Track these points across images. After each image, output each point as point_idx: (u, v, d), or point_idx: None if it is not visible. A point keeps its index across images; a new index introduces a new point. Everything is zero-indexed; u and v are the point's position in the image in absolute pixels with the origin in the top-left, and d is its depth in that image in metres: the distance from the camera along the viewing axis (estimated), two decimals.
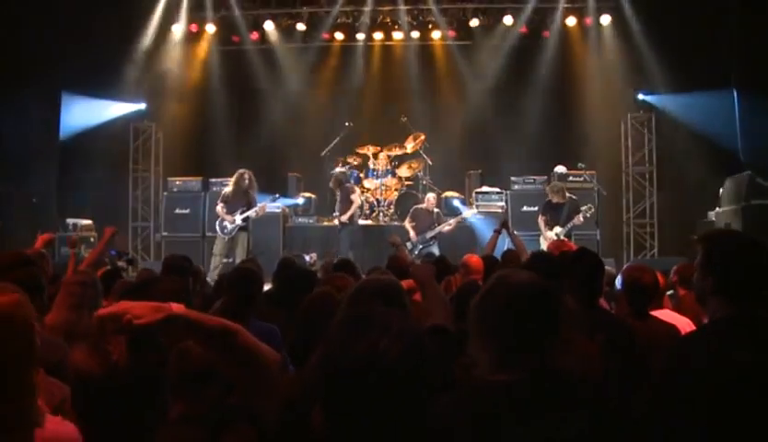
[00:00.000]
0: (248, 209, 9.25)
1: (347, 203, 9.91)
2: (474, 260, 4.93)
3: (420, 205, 10.07)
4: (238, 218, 9.21)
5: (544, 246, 8.70)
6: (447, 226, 9.57)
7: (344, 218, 9.81)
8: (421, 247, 9.37)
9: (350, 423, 1.34)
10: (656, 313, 3.57)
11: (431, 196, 10.05)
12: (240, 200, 9.31)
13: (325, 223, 10.99)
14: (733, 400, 2.02)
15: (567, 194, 9.25)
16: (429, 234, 9.51)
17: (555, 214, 9.11)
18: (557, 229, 8.99)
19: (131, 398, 1.63)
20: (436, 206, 10.06)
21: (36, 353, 1.77)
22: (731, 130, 10.03)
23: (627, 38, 11.20)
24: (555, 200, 9.18)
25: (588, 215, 9.11)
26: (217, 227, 9.41)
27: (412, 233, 9.54)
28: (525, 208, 10.40)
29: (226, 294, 3.68)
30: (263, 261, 6.45)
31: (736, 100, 9.86)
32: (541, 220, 9.20)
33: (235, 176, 9.49)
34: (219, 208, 9.42)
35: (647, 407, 2.18)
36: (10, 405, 1.69)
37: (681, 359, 2.18)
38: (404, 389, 1.33)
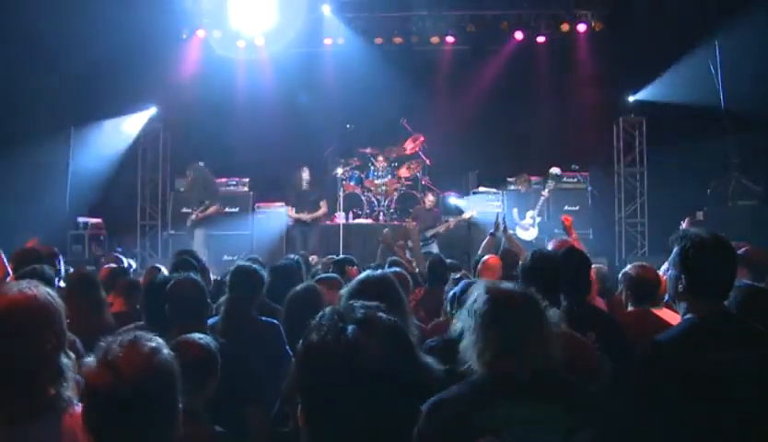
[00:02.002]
0: (205, 210, 9.42)
1: (315, 204, 10.16)
2: (492, 260, 5.21)
3: (421, 205, 10.29)
4: (193, 216, 9.39)
5: (522, 235, 9.37)
6: (445, 227, 9.74)
7: (308, 218, 10.04)
8: (421, 244, 9.39)
9: (330, 422, 1.28)
10: (657, 312, 3.72)
11: (430, 196, 10.31)
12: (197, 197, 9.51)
13: (327, 222, 11.13)
14: (712, 397, 2.06)
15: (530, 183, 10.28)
16: (429, 233, 9.65)
17: (523, 203, 9.94)
18: (530, 213, 9.67)
19: (139, 411, 1.61)
20: (435, 206, 10.30)
21: (62, 341, 1.82)
22: (719, 131, 10.36)
23: (619, 43, 11.37)
24: (524, 190, 10.16)
25: (552, 186, 9.78)
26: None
27: None
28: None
29: (228, 293, 3.77)
30: (267, 258, 6.50)
31: (722, 102, 10.19)
32: (513, 212, 9.87)
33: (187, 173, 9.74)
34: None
35: (629, 404, 2.24)
36: (38, 392, 1.74)
37: (658, 358, 2.23)
38: (383, 387, 1.26)
